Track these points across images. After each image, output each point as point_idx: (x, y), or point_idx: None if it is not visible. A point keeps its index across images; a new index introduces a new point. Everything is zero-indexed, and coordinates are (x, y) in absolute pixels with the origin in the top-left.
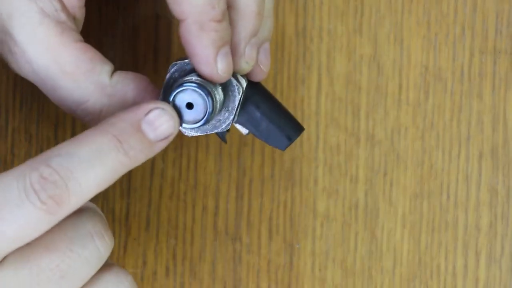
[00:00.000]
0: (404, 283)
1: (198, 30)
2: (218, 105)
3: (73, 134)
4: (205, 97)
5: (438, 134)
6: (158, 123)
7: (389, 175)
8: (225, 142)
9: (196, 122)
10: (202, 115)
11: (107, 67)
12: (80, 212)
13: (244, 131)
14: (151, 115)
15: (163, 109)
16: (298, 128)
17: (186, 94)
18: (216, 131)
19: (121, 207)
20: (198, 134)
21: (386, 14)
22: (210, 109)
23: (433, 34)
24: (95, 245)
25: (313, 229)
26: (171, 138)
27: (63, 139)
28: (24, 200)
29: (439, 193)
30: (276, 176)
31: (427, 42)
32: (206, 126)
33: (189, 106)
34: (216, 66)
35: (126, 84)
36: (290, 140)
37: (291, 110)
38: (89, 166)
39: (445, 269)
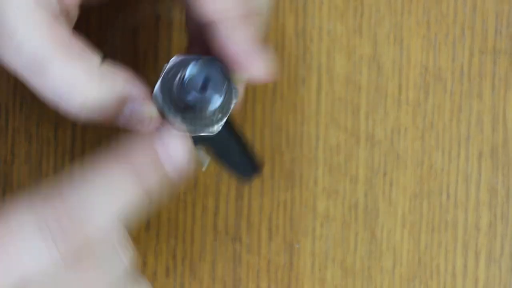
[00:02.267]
0: (404, 283)
1: (239, 24)
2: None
3: (73, 134)
4: (223, 77)
5: (438, 134)
6: (176, 156)
7: (389, 175)
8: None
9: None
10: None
11: (97, 56)
12: None
13: (204, 160)
14: (169, 148)
15: (181, 142)
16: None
17: (201, 68)
18: (206, 132)
19: None
20: (188, 130)
21: (386, 14)
22: (224, 94)
23: (433, 34)
24: (120, 257)
25: (313, 229)
26: (185, 169)
27: (63, 139)
28: (38, 236)
29: (439, 193)
30: (276, 176)
31: (427, 42)
32: (199, 122)
33: (203, 84)
34: (262, 61)
35: (115, 74)
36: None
37: (291, 110)
38: (106, 201)
39: (444, 269)
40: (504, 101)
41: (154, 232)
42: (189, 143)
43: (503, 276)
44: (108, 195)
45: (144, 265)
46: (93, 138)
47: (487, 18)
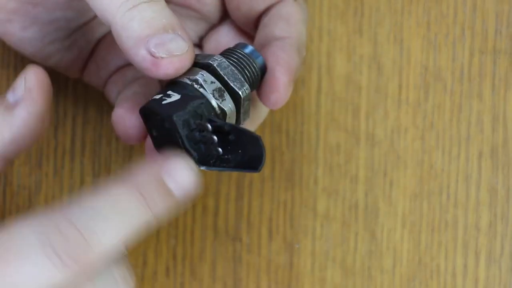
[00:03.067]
0: (404, 283)
1: (295, 50)
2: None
3: (73, 134)
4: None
5: (438, 134)
6: (182, 178)
7: (389, 175)
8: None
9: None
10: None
11: None
12: None
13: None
14: (175, 170)
15: (187, 164)
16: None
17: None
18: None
19: None
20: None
21: (386, 14)
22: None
23: (433, 34)
24: None
25: (313, 229)
26: (193, 194)
27: (63, 139)
28: (42, 259)
29: (439, 193)
30: (276, 176)
31: (427, 42)
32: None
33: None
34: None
35: None
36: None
37: (291, 110)
38: (112, 223)
39: (445, 269)
40: (504, 101)
41: (154, 232)
42: (195, 166)
43: (503, 276)
44: (116, 220)
45: (144, 265)
46: (93, 138)
47: (487, 18)
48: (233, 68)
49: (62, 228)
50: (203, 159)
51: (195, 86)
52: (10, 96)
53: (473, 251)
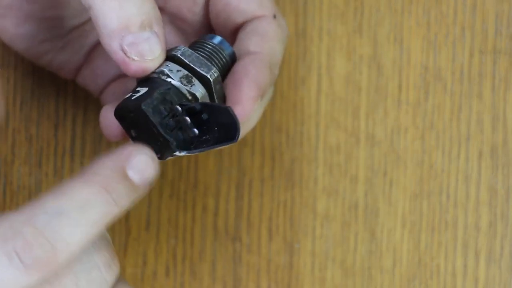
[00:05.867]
0: (404, 283)
1: (264, 67)
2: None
3: (73, 134)
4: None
5: (438, 134)
6: (143, 167)
7: (389, 175)
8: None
9: None
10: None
11: None
12: None
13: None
14: (135, 160)
15: (145, 154)
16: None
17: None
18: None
19: None
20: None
21: (386, 14)
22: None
23: (433, 34)
24: (103, 277)
25: (313, 229)
26: (153, 182)
27: (63, 139)
28: (7, 266)
29: (439, 193)
30: (276, 176)
31: (427, 42)
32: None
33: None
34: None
35: None
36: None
37: (291, 110)
38: (78, 223)
39: (444, 269)
40: (504, 101)
41: (154, 232)
42: (153, 154)
43: (503, 276)
44: (82, 218)
45: (144, 265)
46: (93, 138)
47: (487, 18)
48: (198, 55)
49: (25, 234)
50: (183, 144)
51: (162, 77)
52: None
53: (473, 251)
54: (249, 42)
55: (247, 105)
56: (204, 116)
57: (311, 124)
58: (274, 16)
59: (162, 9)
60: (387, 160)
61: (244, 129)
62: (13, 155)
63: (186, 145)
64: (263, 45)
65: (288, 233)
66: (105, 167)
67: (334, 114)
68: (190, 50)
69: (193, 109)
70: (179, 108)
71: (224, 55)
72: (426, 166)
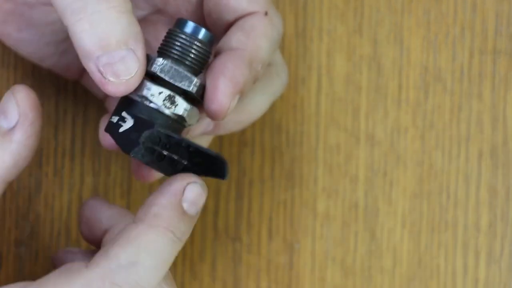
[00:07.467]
0: (404, 283)
1: (246, 64)
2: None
3: (73, 134)
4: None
5: (438, 134)
6: (197, 198)
7: (389, 175)
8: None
9: None
10: None
11: None
12: None
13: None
14: (189, 193)
15: (196, 182)
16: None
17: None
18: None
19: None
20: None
21: (386, 14)
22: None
23: (433, 34)
24: None
25: (313, 229)
26: (203, 204)
27: (63, 139)
28: None
29: (439, 193)
30: (276, 176)
31: (427, 42)
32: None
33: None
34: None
35: None
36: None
37: (291, 110)
38: (153, 269)
39: (444, 269)
40: (504, 101)
41: None
42: (200, 180)
43: (503, 276)
44: (154, 263)
45: None
46: (93, 138)
47: (487, 18)
48: (177, 67)
49: (107, 283)
50: (174, 172)
51: (145, 103)
52: (4, 123)
53: (473, 251)
54: (232, 37)
55: (223, 104)
56: (192, 149)
57: (311, 124)
58: (266, 13)
59: (162, 11)
60: (387, 160)
61: (247, 118)
62: None
63: (176, 169)
64: (246, 41)
65: (288, 233)
66: (163, 207)
67: (334, 114)
68: (169, 64)
69: (180, 144)
70: (165, 153)
71: (201, 45)
72: (426, 166)
